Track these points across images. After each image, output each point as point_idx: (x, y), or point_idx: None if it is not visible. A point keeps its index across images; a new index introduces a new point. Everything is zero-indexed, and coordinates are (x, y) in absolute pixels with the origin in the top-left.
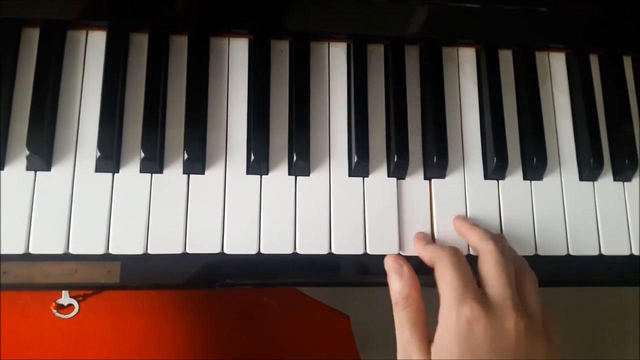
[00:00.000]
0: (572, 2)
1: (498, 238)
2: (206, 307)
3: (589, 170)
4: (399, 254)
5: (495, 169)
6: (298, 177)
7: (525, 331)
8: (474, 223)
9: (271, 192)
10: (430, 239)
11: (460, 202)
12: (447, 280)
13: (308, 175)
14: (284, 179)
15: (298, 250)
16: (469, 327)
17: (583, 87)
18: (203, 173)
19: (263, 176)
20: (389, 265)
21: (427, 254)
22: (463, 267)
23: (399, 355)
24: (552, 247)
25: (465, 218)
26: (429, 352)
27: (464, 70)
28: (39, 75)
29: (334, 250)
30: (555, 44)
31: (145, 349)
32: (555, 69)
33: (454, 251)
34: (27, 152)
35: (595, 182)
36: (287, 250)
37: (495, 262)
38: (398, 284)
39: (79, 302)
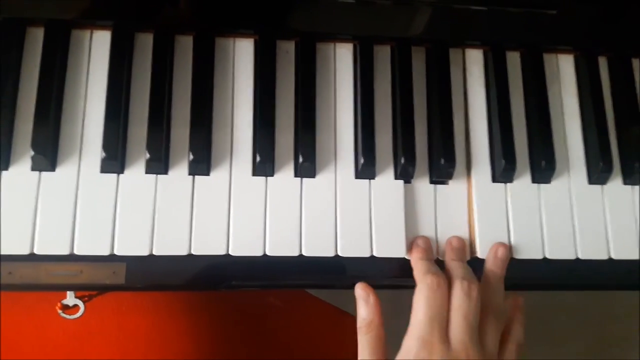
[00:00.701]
0: (581, 4)
1: (470, 275)
2: (211, 308)
3: (597, 173)
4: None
5: (503, 172)
6: (304, 179)
7: None
8: (461, 256)
9: (277, 194)
10: (430, 247)
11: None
12: (418, 312)
13: (314, 177)
14: (290, 181)
15: (304, 253)
16: None
17: (592, 89)
18: (208, 174)
19: (269, 177)
20: (357, 292)
21: (415, 271)
22: (438, 304)
23: None
24: (561, 250)
25: (458, 241)
26: None
27: (471, 72)
28: (43, 75)
29: (340, 253)
30: (564, 46)
31: (150, 349)
32: (563, 71)
33: (437, 283)
34: (31, 152)
35: (604, 186)
36: (293, 252)
37: (458, 306)
38: (363, 310)
39: (84, 302)
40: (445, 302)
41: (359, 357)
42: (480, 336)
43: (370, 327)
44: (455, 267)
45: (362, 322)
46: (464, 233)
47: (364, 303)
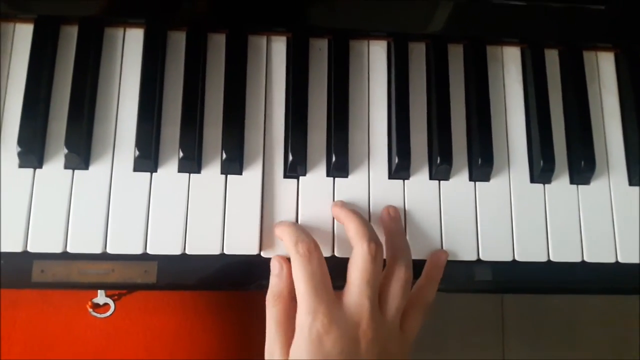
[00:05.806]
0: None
1: (375, 235)
2: (238, 307)
3: (638, 174)
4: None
5: (541, 172)
6: (336, 179)
7: (375, 336)
8: (353, 210)
9: (309, 194)
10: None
11: (506, 205)
12: (299, 285)
13: (347, 176)
14: (322, 180)
15: (336, 254)
16: (319, 339)
17: (633, 88)
18: (241, 173)
19: (301, 177)
20: (272, 264)
21: (284, 241)
22: (319, 274)
23: (265, 351)
24: (601, 254)
25: (343, 204)
26: (289, 353)
27: (508, 70)
28: (77, 73)
29: None
30: (606, 43)
31: (177, 347)
32: (603, 69)
33: (309, 256)
34: (65, 151)
35: None
36: (326, 253)
37: (362, 269)
38: (273, 281)
39: (114, 301)
40: (323, 267)
41: (267, 332)
42: (381, 301)
43: (279, 299)
44: (360, 229)
45: (270, 294)
46: (503, 233)
47: (276, 275)
